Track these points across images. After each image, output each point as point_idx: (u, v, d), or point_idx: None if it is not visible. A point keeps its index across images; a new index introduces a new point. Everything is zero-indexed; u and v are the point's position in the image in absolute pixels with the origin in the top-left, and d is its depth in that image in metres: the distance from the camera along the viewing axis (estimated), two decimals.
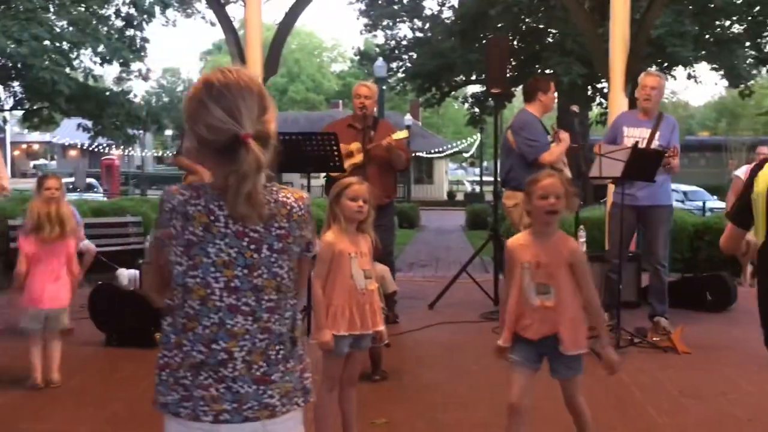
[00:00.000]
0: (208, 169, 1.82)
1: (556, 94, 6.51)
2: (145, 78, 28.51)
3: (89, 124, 22.54)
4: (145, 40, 23.13)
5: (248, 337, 1.77)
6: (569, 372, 3.23)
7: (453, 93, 27.33)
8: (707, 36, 18.88)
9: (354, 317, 3.44)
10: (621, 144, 6.12)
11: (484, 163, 45.15)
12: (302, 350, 1.89)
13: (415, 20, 24.93)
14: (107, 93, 22.76)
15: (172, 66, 76.54)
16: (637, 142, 5.76)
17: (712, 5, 17.37)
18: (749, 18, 20.62)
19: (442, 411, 4.33)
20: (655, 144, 6.12)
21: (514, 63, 22.39)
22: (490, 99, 8.03)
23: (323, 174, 6.22)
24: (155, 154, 55.88)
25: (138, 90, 62.90)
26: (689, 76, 20.86)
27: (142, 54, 23.34)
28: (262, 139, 1.76)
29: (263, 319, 1.79)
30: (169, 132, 43.55)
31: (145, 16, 22.71)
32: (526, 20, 20.69)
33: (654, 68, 18.45)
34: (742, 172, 7.23)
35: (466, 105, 27.67)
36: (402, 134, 6.46)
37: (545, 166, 5.94)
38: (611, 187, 6.77)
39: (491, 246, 7.69)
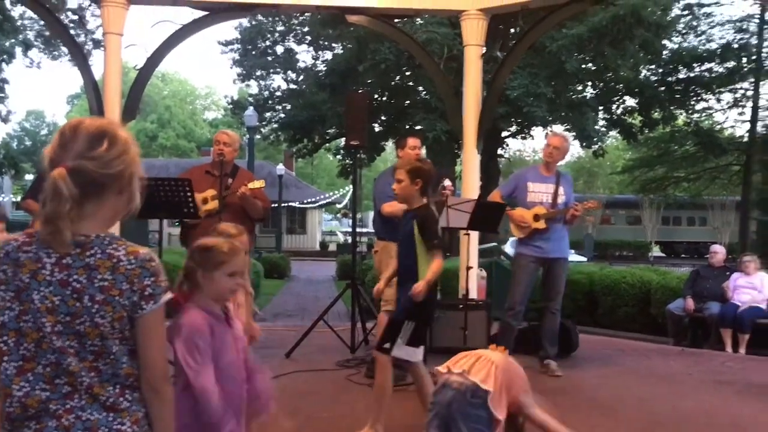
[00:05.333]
0: None
1: (417, 150, 6.73)
2: (5, 120, 27.32)
3: None
4: (4, 81, 22.28)
5: (83, 374, 1.82)
6: None
7: (326, 144, 27.65)
8: (561, 99, 20.11)
9: None
10: (524, 197, 6.74)
11: (358, 215, 45.59)
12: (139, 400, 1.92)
13: (289, 72, 25.22)
14: None
15: (37, 108, 73.57)
16: (480, 195, 6.12)
17: (566, 71, 18.54)
18: (601, 84, 22.18)
19: None
20: (560, 198, 6.76)
21: (383, 118, 23.05)
22: (352, 150, 8.17)
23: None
24: (13, 200, 53.12)
25: None
26: (546, 136, 22.05)
27: (1, 95, 22.45)
28: (81, 174, 1.82)
29: (89, 360, 1.83)
30: (29, 177, 41.70)
31: (5, 57, 21.87)
32: (396, 77, 21.32)
33: (555, 129, 19.65)
34: None
35: (338, 156, 28.05)
36: (258, 183, 6.47)
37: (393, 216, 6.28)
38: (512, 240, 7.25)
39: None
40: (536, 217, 6.70)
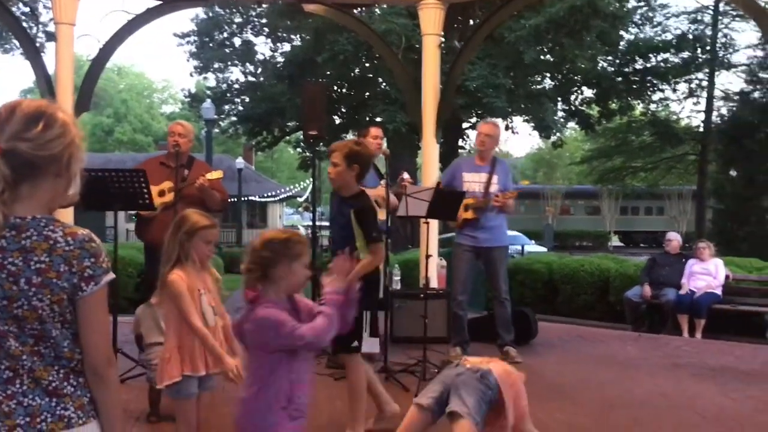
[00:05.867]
0: None
1: (379, 139, 6.72)
2: None
3: None
4: None
5: (25, 357, 1.78)
6: None
7: (286, 137, 27.47)
8: (520, 90, 20.26)
9: (206, 355, 3.33)
10: (460, 186, 6.60)
11: (319, 208, 45.42)
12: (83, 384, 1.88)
13: (247, 64, 25.00)
14: None
15: None
16: (439, 183, 6.10)
17: (525, 62, 18.67)
18: (559, 75, 22.38)
19: None
20: (493, 187, 6.62)
21: (343, 110, 22.99)
22: (311, 141, 8.07)
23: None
24: None
25: None
26: (507, 128, 22.22)
27: None
28: (14, 155, 1.76)
29: (30, 344, 1.79)
30: None
31: None
32: (355, 69, 21.26)
33: (515, 120, 19.69)
34: None
35: (299, 149, 27.89)
36: (217, 174, 6.39)
37: None
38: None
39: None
40: (466, 207, 6.62)
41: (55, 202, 1.88)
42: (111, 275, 1.87)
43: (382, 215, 6.37)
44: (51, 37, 20.82)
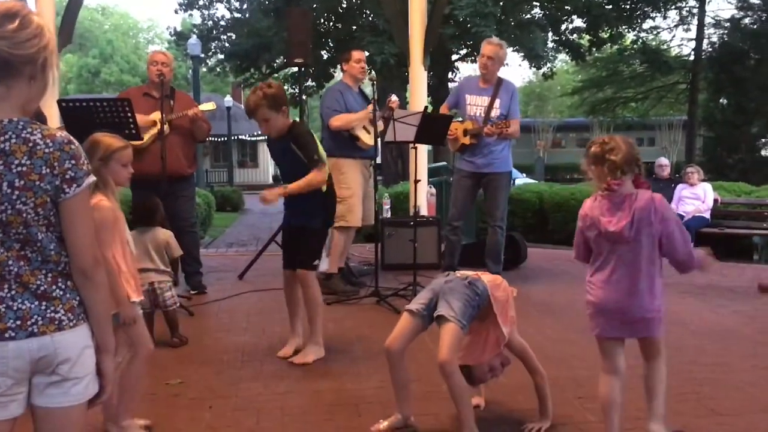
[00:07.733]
0: None
1: (362, 63, 6.64)
2: None
3: None
4: None
5: (11, 262, 1.79)
6: None
7: (274, 75, 27.14)
8: (509, 19, 19.96)
9: (138, 282, 3.31)
10: (464, 110, 6.51)
11: None
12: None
13: (232, 0, 24.54)
14: None
15: None
16: (426, 107, 6.07)
17: None
18: (549, 5, 22.04)
19: (239, 368, 4.39)
20: (495, 111, 6.45)
21: (331, 44, 22.66)
22: (301, 71, 7.92)
23: None
24: None
25: None
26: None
27: None
28: None
29: (15, 249, 1.80)
30: None
31: None
32: (341, 1, 20.89)
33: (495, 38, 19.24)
34: None
35: (287, 87, 27.56)
36: (210, 106, 6.40)
37: (342, 131, 6.23)
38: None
39: None
40: (465, 132, 6.49)
41: (30, 105, 1.86)
42: (92, 177, 1.88)
43: (370, 140, 6.37)
44: None
